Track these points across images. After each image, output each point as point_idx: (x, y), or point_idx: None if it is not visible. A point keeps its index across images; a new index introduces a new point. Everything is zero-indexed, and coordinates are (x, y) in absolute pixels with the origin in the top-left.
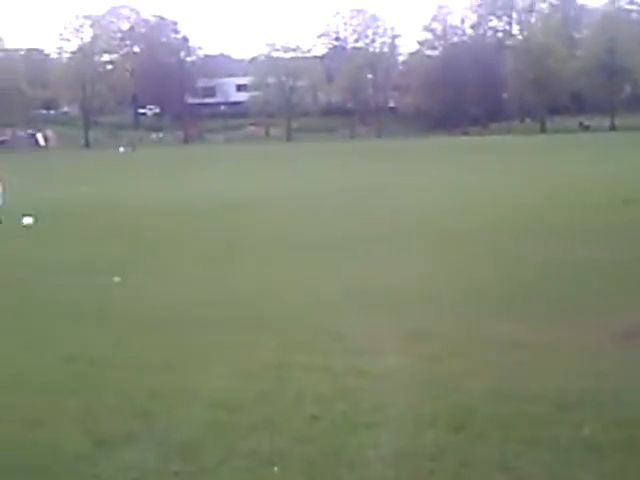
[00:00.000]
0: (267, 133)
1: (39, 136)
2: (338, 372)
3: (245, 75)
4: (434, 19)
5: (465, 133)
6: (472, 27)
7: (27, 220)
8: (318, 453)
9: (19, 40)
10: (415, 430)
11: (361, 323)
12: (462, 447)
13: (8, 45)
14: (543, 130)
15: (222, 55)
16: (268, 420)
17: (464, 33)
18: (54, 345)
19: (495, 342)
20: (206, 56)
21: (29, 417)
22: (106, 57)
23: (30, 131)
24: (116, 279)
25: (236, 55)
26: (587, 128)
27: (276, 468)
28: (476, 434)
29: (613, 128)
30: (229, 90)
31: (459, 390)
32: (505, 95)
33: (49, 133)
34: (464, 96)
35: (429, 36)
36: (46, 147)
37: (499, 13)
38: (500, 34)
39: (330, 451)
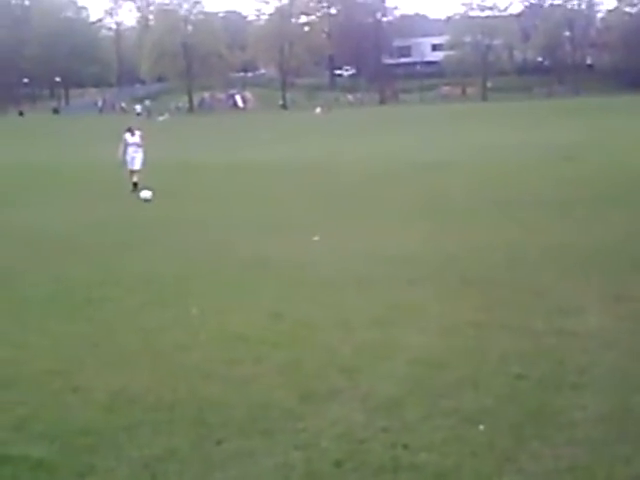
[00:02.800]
0: (464, 92)
1: (237, 98)
2: (540, 331)
3: (441, 34)
4: None
5: None
6: None
7: (145, 194)
8: (524, 412)
9: (217, 3)
10: (623, 392)
11: (562, 282)
12: None
13: (207, 8)
14: None
15: (418, 15)
16: (471, 378)
17: None
18: (260, 303)
19: None
20: (402, 16)
21: (236, 374)
22: (303, 19)
23: (230, 92)
24: (316, 238)
25: (432, 14)
26: None
27: (482, 426)
28: None
29: None
30: (425, 50)
31: None
32: None
33: (247, 95)
34: None
35: None
36: (244, 108)
37: None
38: None
39: (536, 411)
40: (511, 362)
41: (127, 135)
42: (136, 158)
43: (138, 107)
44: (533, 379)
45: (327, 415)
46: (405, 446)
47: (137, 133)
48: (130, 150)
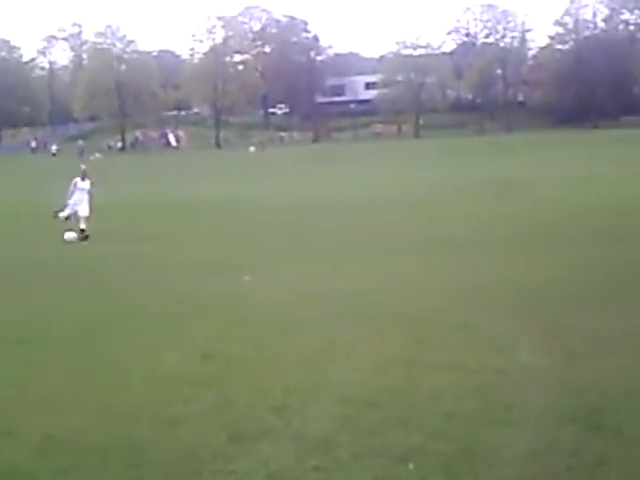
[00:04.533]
0: (400, 130)
1: (170, 136)
2: (472, 369)
3: (374, 73)
4: (566, 13)
5: (595, 127)
6: (604, 20)
7: (68, 235)
8: (454, 450)
9: (151, 42)
10: (551, 428)
11: (495, 319)
12: (600, 445)
13: (141, 47)
14: None
15: (351, 53)
16: (402, 416)
17: (596, 27)
18: (191, 343)
19: (634, 341)
20: (336, 55)
21: (167, 415)
22: (237, 57)
23: (164, 131)
24: (247, 278)
25: (365, 53)
26: None
27: (411, 465)
28: (614, 432)
29: None
30: (358, 88)
31: (596, 388)
32: (637, 89)
33: (180, 133)
34: (595, 90)
35: (560, 30)
36: (177, 147)
37: (631, 6)
38: (632, 27)
39: (466, 449)
40: (442, 400)
41: (78, 179)
42: (83, 204)
43: (54, 147)
44: (463, 416)
45: (257, 455)
46: None
47: (87, 180)
48: (78, 195)
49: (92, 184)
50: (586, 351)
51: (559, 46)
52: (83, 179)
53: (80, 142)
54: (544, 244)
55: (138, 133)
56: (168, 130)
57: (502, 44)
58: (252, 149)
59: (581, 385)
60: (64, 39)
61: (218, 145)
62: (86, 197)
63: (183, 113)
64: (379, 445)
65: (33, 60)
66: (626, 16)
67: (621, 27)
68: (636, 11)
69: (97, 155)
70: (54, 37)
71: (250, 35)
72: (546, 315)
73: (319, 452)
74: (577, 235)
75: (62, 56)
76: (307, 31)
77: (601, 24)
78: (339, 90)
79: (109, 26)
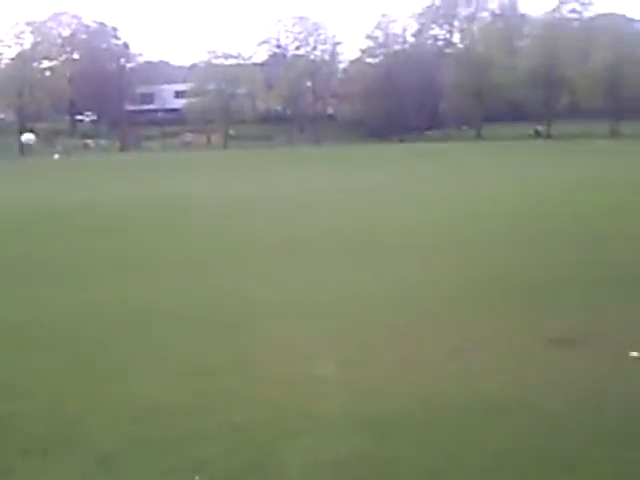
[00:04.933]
0: (209, 140)
1: None
2: (265, 378)
3: (184, 82)
4: (377, 27)
5: (402, 140)
6: (414, 35)
7: (27, 136)
8: (242, 462)
9: None
10: (340, 437)
11: (296, 330)
12: (388, 453)
13: None
14: (479, 137)
15: (162, 62)
16: (190, 429)
17: (405, 41)
18: None
19: (424, 346)
20: (146, 62)
21: None
22: (45, 63)
23: None
24: None
25: (176, 62)
26: (538, 134)
27: (197, 477)
28: (403, 441)
29: (549, 136)
30: (167, 97)
31: (385, 396)
32: (443, 104)
33: None
34: (403, 104)
35: (371, 44)
36: None
37: (441, 21)
38: (441, 42)
39: (254, 461)
40: (232, 411)
41: None
42: None
43: None
44: (254, 428)
45: (41, 472)
46: None
47: None
48: None
49: None
50: (372, 358)
51: (369, 60)
52: None
53: None
54: (352, 256)
55: None
56: None
57: (312, 57)
58: (56, 156)
59: (374, 393)
60: None
61: (22, 152)
62: None
63: None
64: (165, 460)
65: None
66: (435, 31)
67: (430, 42)
68: (445, 26)
69: None
70: None
71: (59, 41)
72: (345, 326)
73: (104, 468)
74: (396, 245)
75: None
76: (117, 38)
77: (410, 39)
78: (148, 98)
79: None
